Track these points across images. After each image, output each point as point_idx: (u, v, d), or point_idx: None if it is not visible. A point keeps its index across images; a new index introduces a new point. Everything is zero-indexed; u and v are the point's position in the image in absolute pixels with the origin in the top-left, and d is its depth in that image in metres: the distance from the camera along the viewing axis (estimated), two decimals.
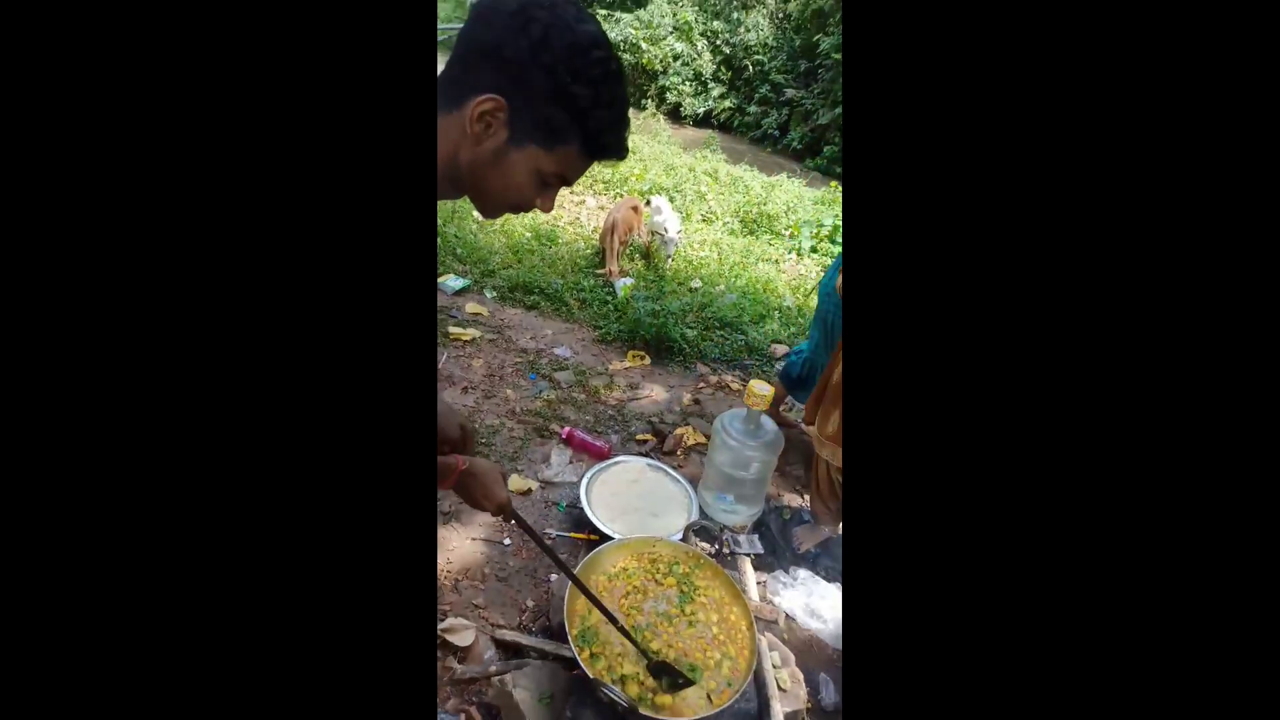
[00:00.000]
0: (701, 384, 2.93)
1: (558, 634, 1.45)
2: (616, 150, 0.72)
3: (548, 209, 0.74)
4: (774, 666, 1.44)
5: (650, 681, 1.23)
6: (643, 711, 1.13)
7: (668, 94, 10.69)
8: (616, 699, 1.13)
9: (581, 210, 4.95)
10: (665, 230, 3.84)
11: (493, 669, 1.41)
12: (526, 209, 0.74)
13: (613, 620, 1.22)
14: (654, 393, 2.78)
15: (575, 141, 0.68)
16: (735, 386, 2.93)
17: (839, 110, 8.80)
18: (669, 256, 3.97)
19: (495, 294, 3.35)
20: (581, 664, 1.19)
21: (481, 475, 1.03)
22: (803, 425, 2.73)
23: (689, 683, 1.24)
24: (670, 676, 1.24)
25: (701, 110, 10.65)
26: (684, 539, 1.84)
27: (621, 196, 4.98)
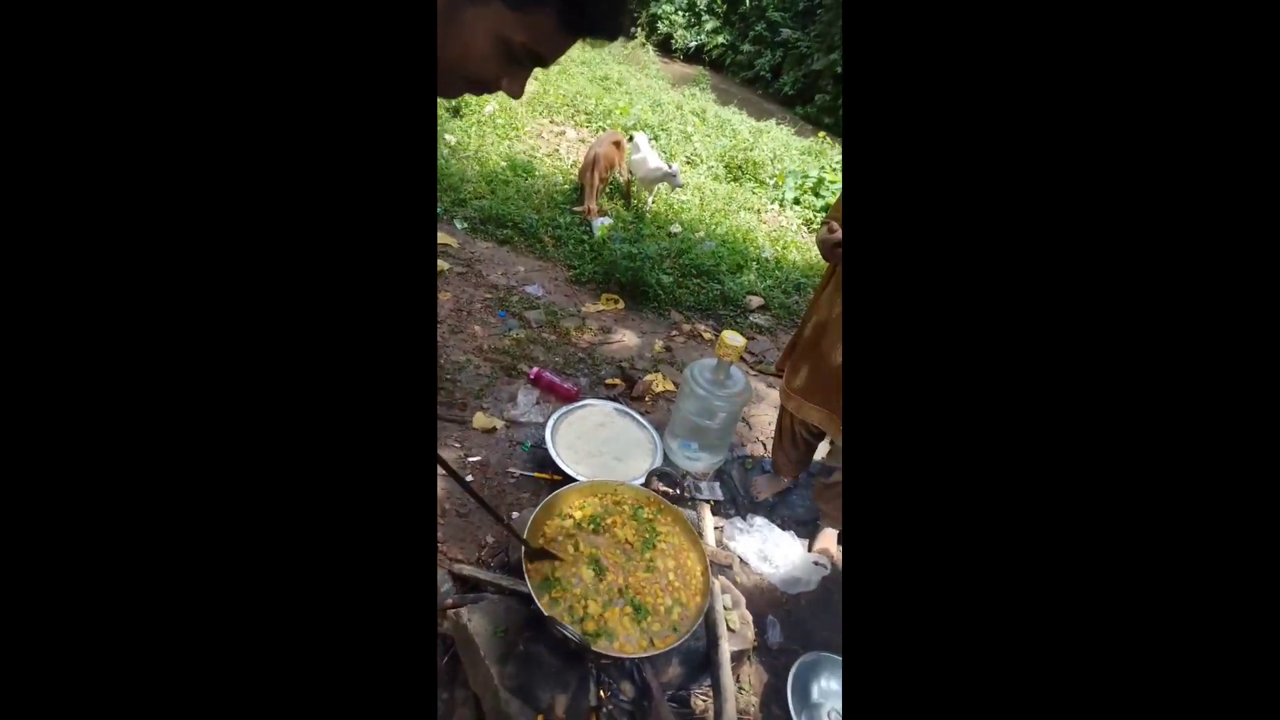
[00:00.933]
0: (674, 332, 2.90)
1: (515, 570, 1.46)
2: (605, 24, 0.57)
3: (516, 93, 0.59)
4: (725, 608, 1.49)
5: (603, 614, 1.26)
6: (595, 648, 1.16)
7: (659, 24, 10.14)
8: (570, 636, 1.15)
9: (561, 142, 4.73)
10: (646, 167, 3.69)
11: (449, 601, 1.42)
12: (490, 87, 0.59)
13: (492, 512, 1.22)
14: (626, 338, 2.75)
15: (552, 4, 0.53)
16: (708, 336, 2.92)
17: (834, 56, 8.48)
18: (677, 186, 3.80)
19: (465, 225, 3.21)
20: (539, 604, 1.20)
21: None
22: (774, 375, 2.76)
23: (557, 559, 1.30)
24: (543, 557, 1.30)
25: (693, 44, 10.16)
26: (646, 484, 1.85)
27: (604, 130, 4.76)
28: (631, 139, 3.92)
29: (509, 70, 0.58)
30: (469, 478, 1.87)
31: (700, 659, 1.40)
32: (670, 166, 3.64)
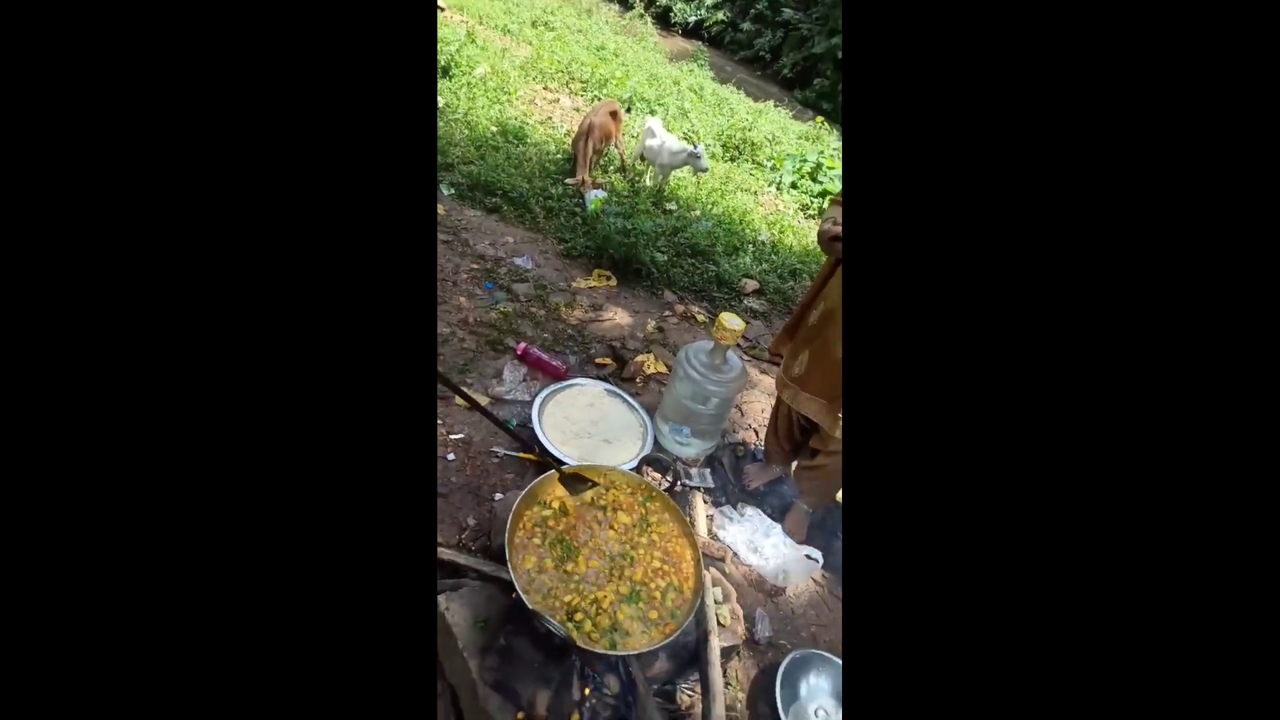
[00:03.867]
0: (667, 312, 2.81)
1: (498, 555, 1.38)
2: None
3: None
4: (716, 602, 1.43)
5: (592, 611, 1.19)
6: (579, 644, 1.09)
7: None
8: (554, 630, 1.08)
9: (555, 110, 4.55)
10: (667, 152, 3.52)
11: None
12: None
13: (486, 413, 1.27)
14: (617, 316, 2.65)
15: None
16: (701, 318, 2.83)
17: (835, 40, 8.33)
18: (701, 171, 3.60)
19: (453, 191, 3.06)
20: (521, 595, 1.12)
21: None
22: (768, 361, 2.69)
23: (592, 484, 1.38)
24: (579, 483, 1.37)
25: (692, 19, 9.91)
26: (638, 469, 1.77)
27: (600, 99, 4.59)
28: (634, 114, 3.76)
29: None
30: (450, 457, 1.78)
31: (688, 654, 1.34)
32: (695, 147, 3.49)
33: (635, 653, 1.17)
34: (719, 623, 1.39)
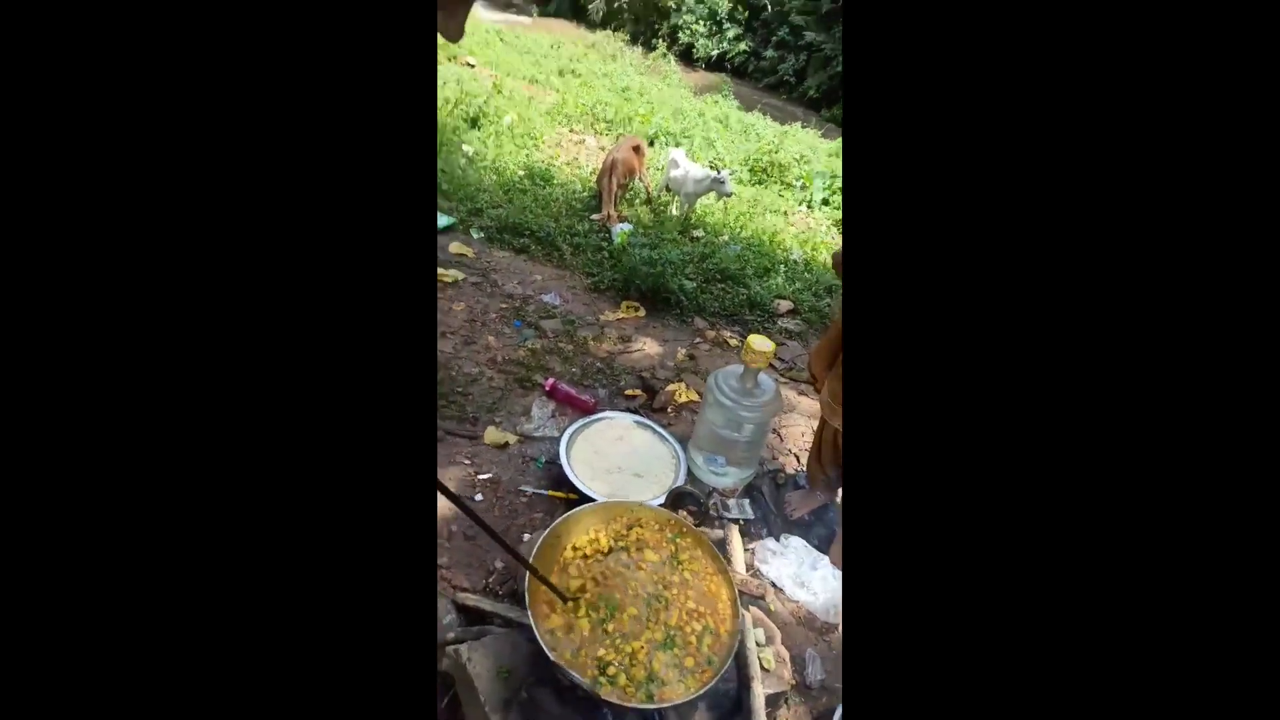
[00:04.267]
0: (698, 339, 2.76)
1: (525, 601, 1.33)
2: None
3: (451, 35, 0.61)
4: (758, 644, 1.32)
5: (627, 664, 1.11)
6: (603, 695, 1.01)
7: (680, 34, 10.12)
8: (578, 682, 1.00)
9: (580, 150, 4.66)
10: (691, 180, 3.54)
11: (450, 636, 1.29)
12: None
13: (520, 559, 1.11)
14: (647, 346, 2.61)
15: None
16: (734, 343, 2.76)
17: None
18: (725, 195, 3.61)
19: (482, 234, 3.14)
20: (544, 646, 1.06)
21: None
22: (807, 382, 2.58)
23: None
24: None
25: (715, 53, 10.10)
26: (667, 504, 1.70)
27: (624, 136, 4.68)
28: (655, 144, 3.81)
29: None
30: (478, 497, 1.75)
31: (730, 703, 1.24)
32: (718, 172, 3.50)
33: (669, 705, 1.08)
34: (762, 667, 1.28)
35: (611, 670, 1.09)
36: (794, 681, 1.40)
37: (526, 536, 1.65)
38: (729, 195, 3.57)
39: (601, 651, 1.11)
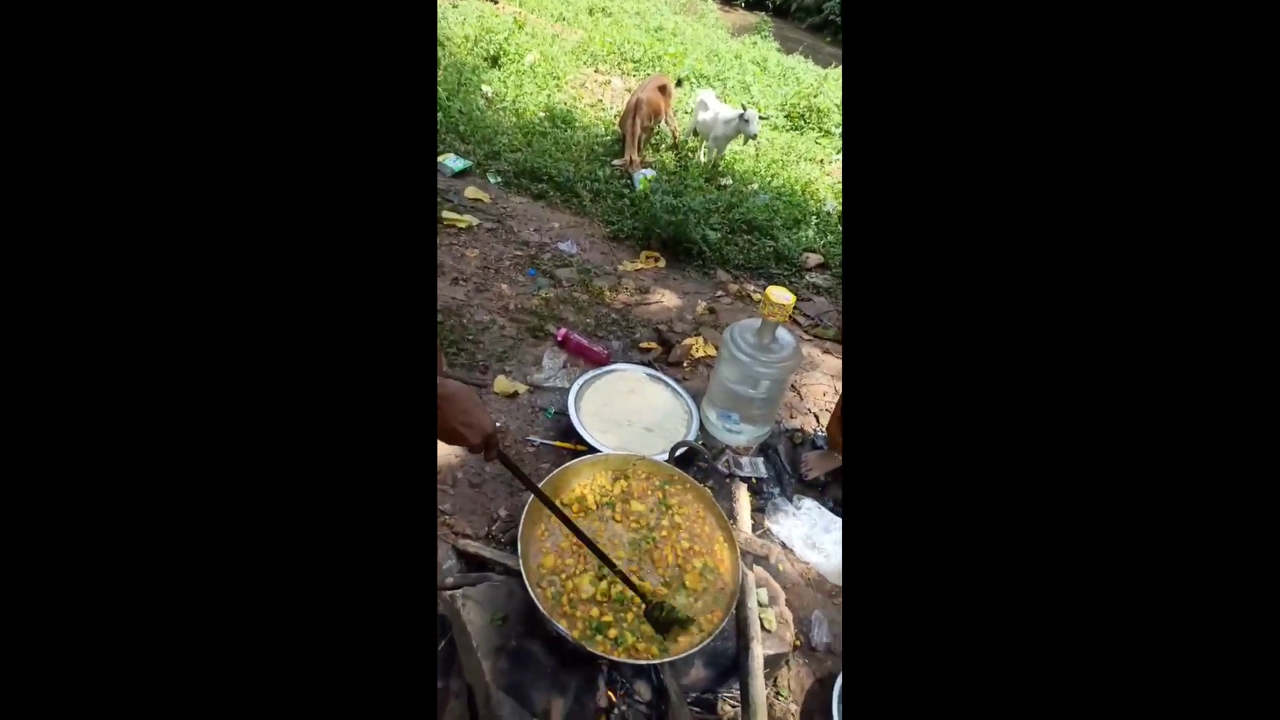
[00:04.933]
0: (720, 292, 2.65)
1: None
2: None
3: None
4: (760, 604, 1.28)
5: (602, 610, 1.08)
6: (590, 649, 0.99)
7: None
8: (563, 635, 0.98)
9: (606, 92, 4.45)
10: (720, 124, 3.31)
11: (449, 581, 1.28)
12: None
13: (609, 564, 1.04)
14: (665, 298, 2.52)
15: None
16: (756, 297, 2.64)
17: None
18: (751, 137, 3.37)
19: (499, 179, 3.04)
20: (534, 598, 1.03)
21: (460, 399, 0.80)
22: (834, 341, 2.47)
23: (686, 623, 1.07)
24: (667, 624, 1.06)
25: None
26: (671, 460, 1.65)
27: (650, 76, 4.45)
28: (679, 83, 3.59)
29: None
30: None
31: (728, 661, 1.21)
32: (744, 110, 3.27)
33: (661, 661, 1.05)
34: (764, 627, 1.24)
35: (613, 633, 1.06)
36: (798, 643, 1.36)
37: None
38: (754, 135, 3.34)
39: (595, 611, 1.08)
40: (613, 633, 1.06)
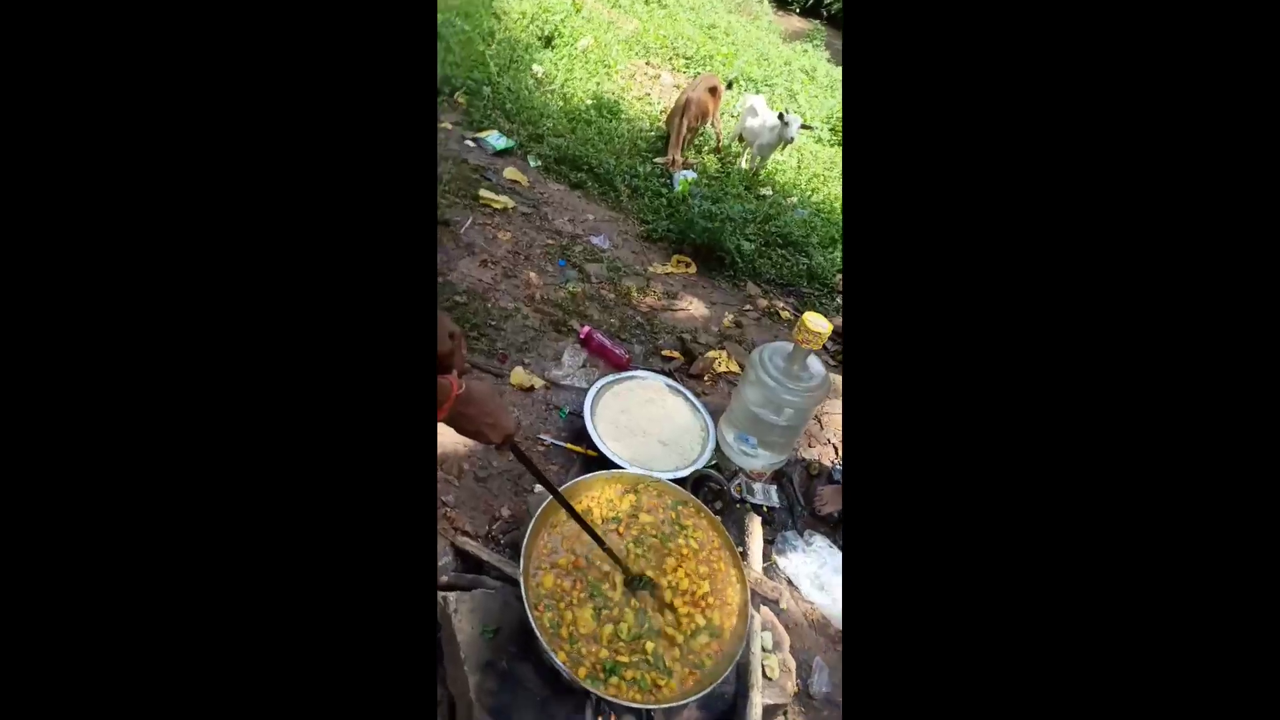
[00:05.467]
0: (748, 306, 2.57)
1: None
2: None
3: None
4: (764, 650, 1.22)
5: (603, 652, 1.02)
6: (588, 687, 0.93)
7: None
8: (560, 669, 0.92)
9: (655, 86, 4.36)
10: (766, 130, 3.22)
11: (443, 580, 1.23)
12: None
13: (599, 541, 1.05)
14: (693, 306, 2.45)
15: None
16: (785, 315, 2.57)
17: None
18: (788, 141, 3.28)
19: (539, 163, 2.97)
20: (534, 624, 0.97)
21: (487, 402, 0.83)
22: None
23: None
24: (643, 586, 1.12)
25: None
26: (687, 486, 1.58)
27: (701, 75, 4.36)
28: (729, 86, 3.49)
29: None
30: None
31: (725, 706, 1.15)
32: (785, 113, 3.17)
33: (659, 707, 0.99)
34: (765, 675, 1.18)
35: (630, 673, 0.99)
36: (796, 689, 1.30)
37: (538, 488, 1.57)
38: (791, 140, 3.23)
39: (603, 652, 1.02)
40: (630, 674, 0.99)
